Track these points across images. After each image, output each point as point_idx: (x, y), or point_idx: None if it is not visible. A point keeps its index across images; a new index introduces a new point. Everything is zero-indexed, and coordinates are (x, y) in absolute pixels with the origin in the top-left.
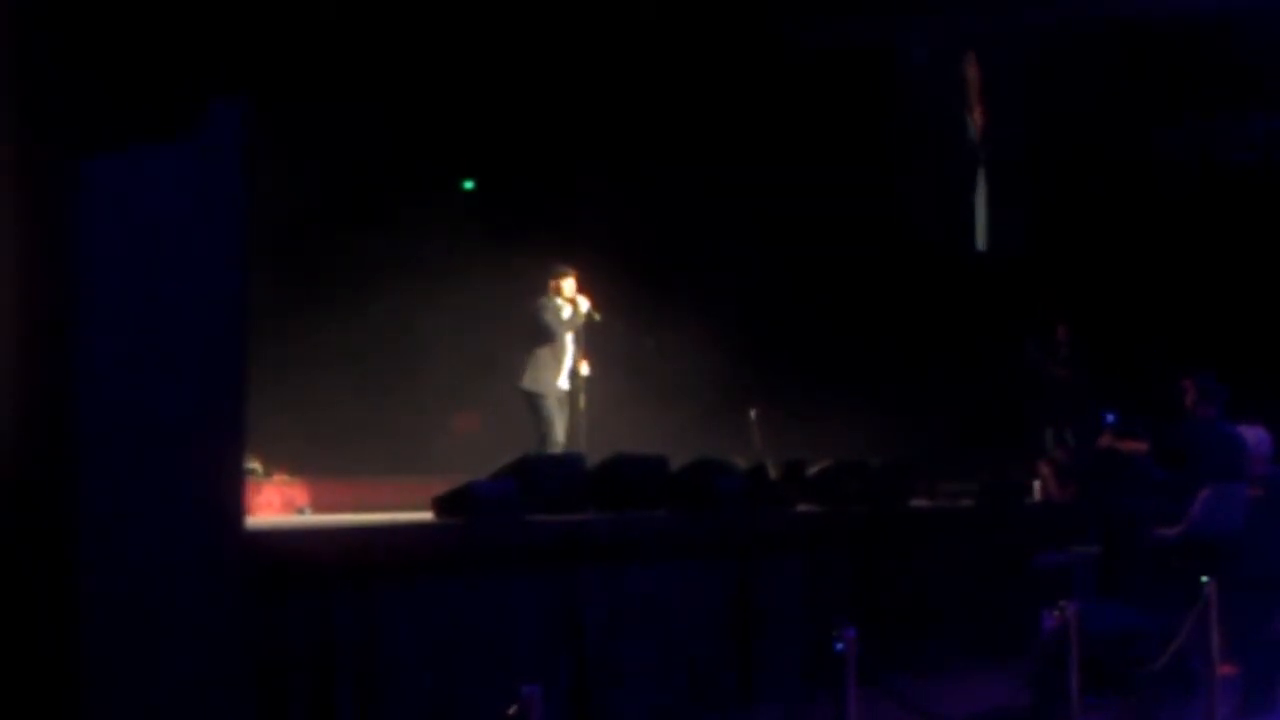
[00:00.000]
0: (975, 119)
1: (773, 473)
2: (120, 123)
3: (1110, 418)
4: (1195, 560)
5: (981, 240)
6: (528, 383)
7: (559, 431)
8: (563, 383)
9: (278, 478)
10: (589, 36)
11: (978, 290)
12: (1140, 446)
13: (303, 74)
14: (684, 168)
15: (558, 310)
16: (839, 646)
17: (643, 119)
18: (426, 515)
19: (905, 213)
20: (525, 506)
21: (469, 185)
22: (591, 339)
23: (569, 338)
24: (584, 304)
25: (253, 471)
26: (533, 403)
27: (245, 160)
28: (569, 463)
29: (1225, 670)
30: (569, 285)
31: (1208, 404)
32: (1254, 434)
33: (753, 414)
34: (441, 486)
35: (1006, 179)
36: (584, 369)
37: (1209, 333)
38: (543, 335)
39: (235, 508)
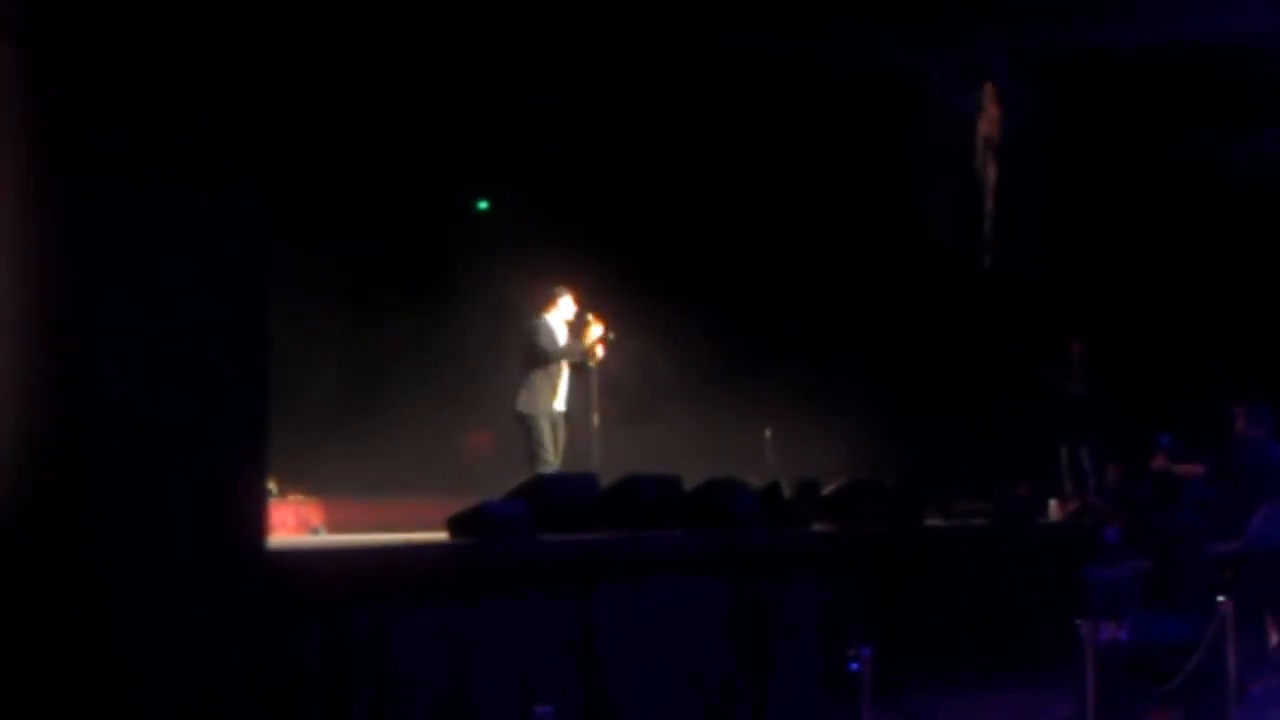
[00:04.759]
0: (986, 143)
1: (787, 492)
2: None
3: (1165, 439)
4: (1253, 573)
5: (987, 258)
6: (522, 405)
7: (550, 452)
8: (558, 405)
9: (293, 497)
10: (607, 55)
11: (993, 307)
12: (1195, 469)
13: (314, 87)
14: (698, 188)
15: (551, 331)
16: (854, 666)
17: (657, 137)
18: (441, 535)
19: (921, 230)
20: (539, 526)
21: (483, 206)
22: (605, 357)
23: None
24: (596, 331)
25: (268, 491)
26: (525, 425)
27: (261, 180)
28: (582, 482)
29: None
30: (565, 303)
31: (1257, 427)
32: None
33: (767, 433)
34: (455, 506)
35: (1022, 196)
36: (610, 335)
37: (1233, 351)
38: (537, 359)
39: (256, 528)
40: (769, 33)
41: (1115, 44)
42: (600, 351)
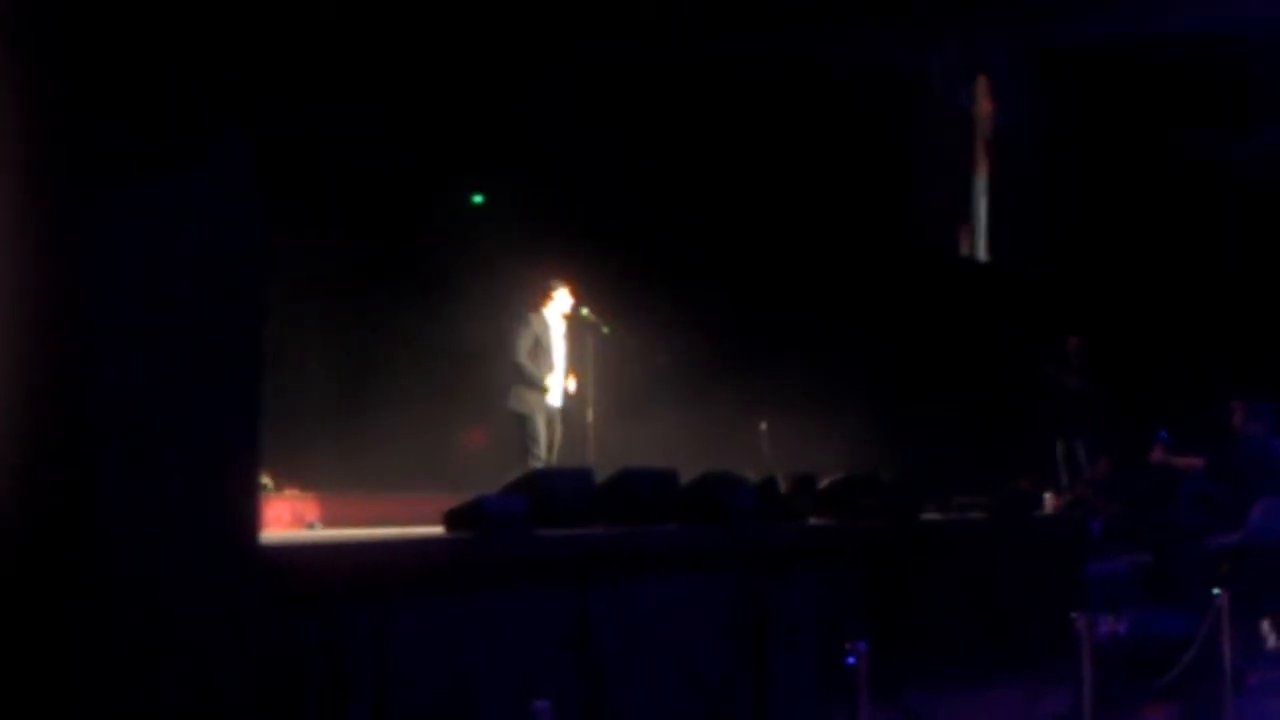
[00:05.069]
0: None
1: (783, 486)
2: (134, 145)
3: (1163, 434)
4: (1251, 567)
5: (982, 251)
6: (514, 403)
7: (541, 448)
8: (552, 401)
9: (288, 492)
10: (607, 55)
11: (991, 303)
12: (1194, 462)
13: (314, 85)
14: (694, 182)
15: (540, 329)
16: (851, 660)
17: (657, 136)
18: (437, 530)
19: (919, 227)
20: (535, 521)
21: (479, 199)
22: (601, 352)
23: (557, 354)
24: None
25: (263, 486)
26: (519, 422)
27: (262, 181)
28: (579, 477)
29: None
30: (561, 296)
31: (1255, 423)
32: None
33: (762, 426)
34: (452, 501)
35: (1018, 190)
36: (571, 385)
37: (1233, 348)
38: (513, 359)
39: (251, 525)
40: (769, 33)
41: (1115, 39)
42: (571, 387)
